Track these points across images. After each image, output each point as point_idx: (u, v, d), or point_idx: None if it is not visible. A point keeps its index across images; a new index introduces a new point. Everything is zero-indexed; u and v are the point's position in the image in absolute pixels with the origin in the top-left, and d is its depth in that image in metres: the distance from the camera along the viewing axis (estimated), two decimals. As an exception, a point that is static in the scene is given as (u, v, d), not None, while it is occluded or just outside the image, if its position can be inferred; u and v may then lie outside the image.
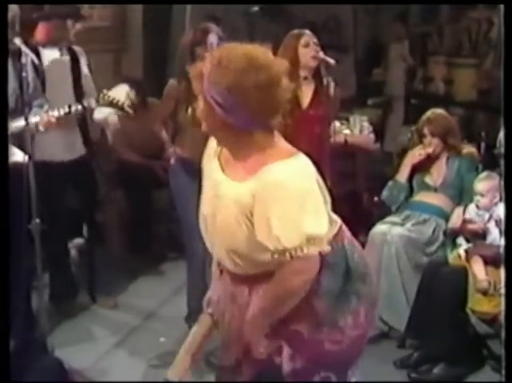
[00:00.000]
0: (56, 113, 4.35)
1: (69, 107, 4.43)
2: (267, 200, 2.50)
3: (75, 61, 5.07)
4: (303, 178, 2.56)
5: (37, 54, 4.89)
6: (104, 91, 4.55)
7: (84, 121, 5.11)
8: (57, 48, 4.99)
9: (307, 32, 4.69)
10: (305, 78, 4.64)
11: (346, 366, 2.88)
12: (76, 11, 5.20)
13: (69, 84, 5.01)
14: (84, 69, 5.13)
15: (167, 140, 4.83)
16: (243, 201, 2.56)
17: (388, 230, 4.75)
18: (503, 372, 2.62)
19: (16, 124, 4.19)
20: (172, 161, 4.65)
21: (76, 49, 5.13)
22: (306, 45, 4.59)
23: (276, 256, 2.54)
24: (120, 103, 4.55)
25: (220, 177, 2.70)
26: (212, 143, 2.80)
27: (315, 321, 2.71)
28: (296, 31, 4.71)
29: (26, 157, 4.10)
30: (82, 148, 5.13)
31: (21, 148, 4.16)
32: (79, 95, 4.97)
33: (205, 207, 2.78)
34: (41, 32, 4.97)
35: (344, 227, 2.90)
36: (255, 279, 2.72)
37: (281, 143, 2.68)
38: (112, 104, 4.56)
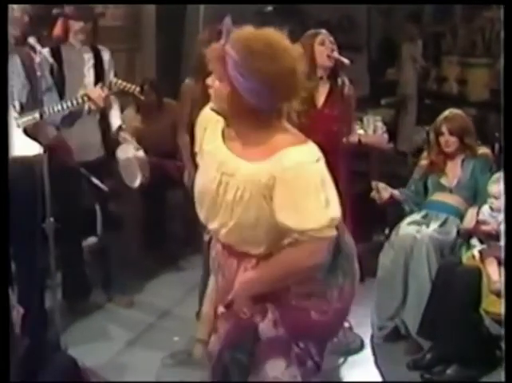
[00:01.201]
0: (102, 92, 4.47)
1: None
2: (291, 182, 2.59)
3: (98, 59, 5.09)
4: (320, 163, 2.68)
5: (57, 51, 4.94)
6: (115, 78, 4.63)
7: (104, 121, 5.13)
8: (77, 46, 5.02)
9: (323, 31, 4.70)
10: (321, 78, 4.65)
11: (327, 338, 3.07)
12: (94, 10, 5.21)
13: (91, 82, 5.03)
14: (107, 67, 5.13)
15: (187, 149, 4.85)
16: (261, 181, 2.63)
17: (417, 230, 4.75)
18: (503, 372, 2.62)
19: (30, 117, 4.22)
20: (187, 183, 4.77)
21: (101, 47, 5.15)
22: (322, 44, 4.61)
23: (296, 235, 2.63)
24: (131, 89, 4.60)
25: (227, 156, 2.76)
26: (208, 116, 2.86)
27: (305, 290, 2.82)
28: (312, 31, 4.72)
29: (42, 150, 4.12)
30: (101, 150, 5.15)
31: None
32: None
33: (204, 183, 2.83)
34: (60, 29, 5.00)
35: None
36: (246, 255, 2.82)
37: (291, 129, 2.79)
38: (123, 90, 4.61)
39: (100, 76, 5.01)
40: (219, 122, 2.83)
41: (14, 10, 4.15)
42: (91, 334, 4.85)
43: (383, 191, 4.89)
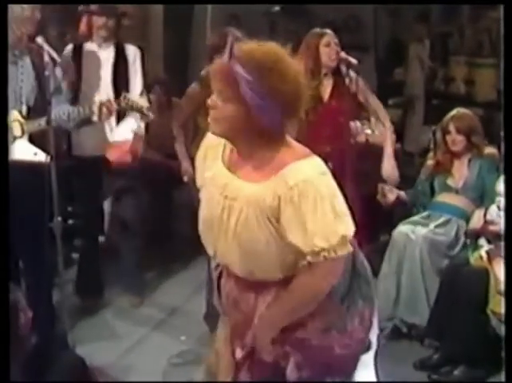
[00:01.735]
0: (110, 107, 4.39)
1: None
2: (297, 200, 2.47)
3: (121, 56, 5.09)
4: (327, 177, 2.56)
5: (79, 49, 4.99)
6: (125, 95, 4.52)
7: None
8: (97, 43, 5.04)
9: (328, 31, 4.72)
10: (325, 74, 4.70)
11: (352, 370, 2.87)
12: (117, 8, 5.22)
13: (108, 79, 5.04)
14: (132, 67, 5.12)
15: (183, 155, 4.87)
16: (265, 202, 2.51)
17: (412, 230, 4.76)
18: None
19: (36, 124, 4.21)
20: (185, 179, 4.75)
21: (126, 45, 5.16)
22: (327, 45, 4.64)
23: (309, 258, 2.50)
24: (139, 107, 4.50)
25: (228, 178, 2.63)
26: (207, 143, 2.78)
27: (324, 324, 2.68)
28: (317, 30, 4.74)
29: (48, 158, 4.12)
30: None
31: (43, 147, 4.18)
32: (118, 91, 5.00)
33: (209, 211, 2.69)
34: (85, 26, 5.02)
35: None
36: (263, 286, 2.67)
37: (293, 143, 2.66)
38: (132, 108, 4.54)
39: (121, 74, 5.01)
40: (219, 146, 2.72)
41: (25, 9, 4.15)
42: (98, 333, 4.85)
43: (389, 194, 4.89)
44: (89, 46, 5.04)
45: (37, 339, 3.61)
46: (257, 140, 2.56)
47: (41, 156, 4.18)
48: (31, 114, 4.26)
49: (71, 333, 4.35)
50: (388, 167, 4.83)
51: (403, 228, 4.82)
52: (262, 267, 2.62)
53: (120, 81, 5.03)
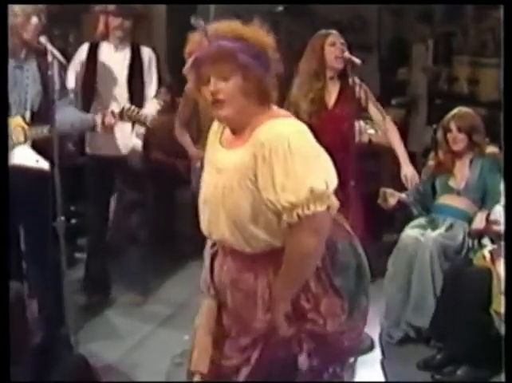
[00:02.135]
0: (112, 120, 4.38)
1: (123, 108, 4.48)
2: (268, 155, 2.50)
3: (136, 58, 5.11)
4: (304, 135, 2.60)
5: (95, 49, 5.04)
6: (129, 106, 4.51)
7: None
8: (114, 44, 5.06)
9: (334, 32, 4.70)
10: (331, 78, 4.66)
11: (350, 361, 2.96)
12: (134, 9, 5.23)
13: (123, 80, 5.07)
14: (147, 69, 5.15)
15: (189, 143, 4.87)
16: (244, 164, 2.57)
17: (421, 233, 4.76)
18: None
19: (39, 131, 4.21)
20: (198, 164, 4.66)
21: (142, 46, 5.19)
22: (332, 45, 4.62)
23: (285, 217, 2.51)
24: (142, 119, 4.49)
25: (219, 151, 2.75)
26: (212, 129, 2.84)
27: (337, 321, 2.74)
28: (323, 31, 4.72)
29: (49, 166, 4.12)
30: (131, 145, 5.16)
31: (46, 152, 4.19)
32: (133, 92, 5.03)
33: (205, 189, 2.76)
34: (102, 26, 5.05)
35: (347, 226, 2.88)
36: (262, 262, 2.68)
37: (277, 109, 2.72)
38: (134, 120, 4.53)
39: (137, 76, 5.02)
40: (220, 128, 2.80)
41: (18, 16, 4.12)
42: (101, 332, 4.86)
43: (390, 198, 4.87)
44: (105, 46, 5.06)
45: (41, 338, 3.63)
46: (252, 110, 2.63)
47: (42, 164, 4.18)
48: (35, 119, 4.26)
49: (74, 332, 4.36)
50: (408, 171, 4.77)
51: (411, 231, 4.82)
52: (253, 236, 2.62)
53: (136, 83, 5.06)
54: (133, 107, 4.49)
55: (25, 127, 4.22)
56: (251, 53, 2.57)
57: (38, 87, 4.28)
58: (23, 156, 4.22)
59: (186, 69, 2.65)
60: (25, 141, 4.22)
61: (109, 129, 4.43)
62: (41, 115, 4.26)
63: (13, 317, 3.06)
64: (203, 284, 2.97)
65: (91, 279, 5.33)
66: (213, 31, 2.63)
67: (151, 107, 5.01)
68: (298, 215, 2.49)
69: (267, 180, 2.51)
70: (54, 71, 4.15)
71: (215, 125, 2.83)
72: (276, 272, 2.66)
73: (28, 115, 4.24)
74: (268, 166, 2.50)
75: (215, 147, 2.78)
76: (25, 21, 4.09)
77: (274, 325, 2.69)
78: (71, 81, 4.89)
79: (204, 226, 2.78)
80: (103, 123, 4.35)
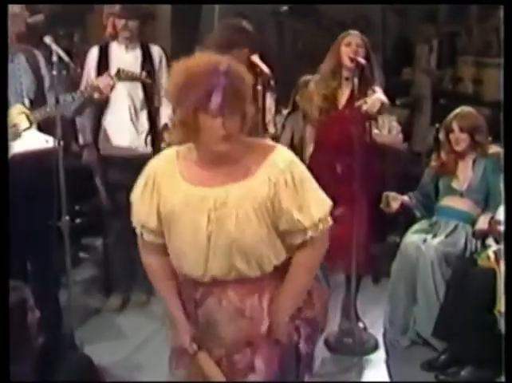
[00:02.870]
0: (110, 81, 4.59)
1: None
2: (291, 180, 2.63)
3: (147, 57, 5.14)
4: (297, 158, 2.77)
5: (106, 49, 5.07)
6: (120, 68, 4.73)
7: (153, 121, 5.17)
8: (124, 44, 5.08)
9: (354, 32, 4.70)
10: (347, 79, 4.65)
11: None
12: (139, 9, 5.25)
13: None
14: (157, 66, 5.17)
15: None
16: (262, 193, 2.62)
17: (422, 240, 4.75)
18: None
19: (43, 111, 4.26)
20: None
21: (152, 46, 5.22)
22: (348, 45, 4.61)
23: (310, 232, 2.67)
24: (137, 75, 4.78)
25: (204, 191, 2.65)
26: (151, 172, 2.75)
27: (324, 306, 2.99)
28: (346, 32, 4.73)
29: (56, 142, 4.16)
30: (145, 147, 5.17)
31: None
32: (147, 91, 5.08)
33: (192, 234, 2.67)
34: (110, 27, 5.07)
35: None
36: (266, 282, 2.76)
37: (251, 138, 2.79)
38: (131, 77, 4.76)
39: (149, 74, 5.04)
40: (167, 169, 2.72)
41: (14, 8, 4.18)
42: (106, 333, 4.87)
43: (392, 202, 4.86)
44: (116, 47, 5.08)
45: (44, 338, 3.63)
46: (245, 142, 2.70)
47: (52, 143, 4.22)
48: (34, 106, 4.32)
49: (79, 332, 4.37)
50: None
51: (413, 238, 4.81)
52: (266, 260, 2.71)
53: (144, 82, 5.08)
54: (124, 68, 4.75)
55: (27, 111, 4.28)
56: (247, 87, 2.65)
57: (31, 76, 4.37)
58: (32, 140, 4.27)
59: (197, 96, 2.54)
60: (31, 125, 4.27)
61: (106, 92, 4.60)
62: (38, 102, 4.32)
63: (17, 317, 3.07)
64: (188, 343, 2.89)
65: (108, 280, 5.33)
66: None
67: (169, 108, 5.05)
68: (321, 229, 2.69)
69: (293, 203, 2.63)
70: (58, 70, 4.19)
71: (157, 170, 2.74)
72: (277, 287, 2.77)
73: (27, 102, 4.30)
74: (292, 189, 2.63)
75: (186, 189, 2.68)
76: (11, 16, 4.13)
77: (277, 335, 2.79)
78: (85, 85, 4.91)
79: (194, 268, 2.74)
80: (97, 88, 4.55)
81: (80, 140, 5.23)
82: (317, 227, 2.67)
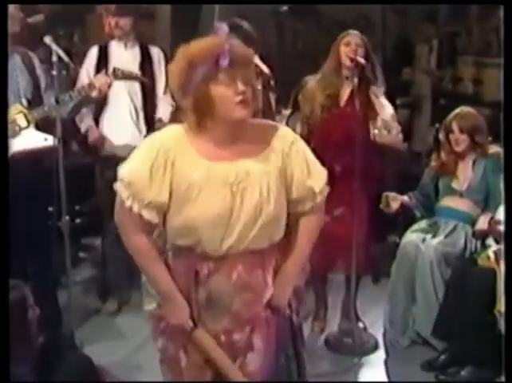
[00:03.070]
0: (107, 79, 4.61)
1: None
2: (302, 148, 2.86)
3: (146, 57, 5.14)
4: None
5: (105, 49, 5.08)
6: (116, 67, 4.73)
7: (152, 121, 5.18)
8: (123, 43, 5.08)
9: (353, 32, 4.72)
10: (347, 78, 4.66)
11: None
12: (145, 9, 5.27)
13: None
14: (157, 67, 5.17)
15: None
16: (277, 164, 2.79)
17: (421, 239, 4.75)
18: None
19: (41, 111, 4.27)
20: None
21: (151, 46, 5.22)
22: (347, 44, 4.63)
23: (318, 198, 2.87)
24: (134, 74, 4.79)
25: (225, 165, 2.73)
26: (163, 146, 2.75)
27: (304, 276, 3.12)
28: (345, 32, 4.74)
29: (56, 140, 4.16)
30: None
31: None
32: (145, 90, 5.08)
33: (212, 208, 2.71)
34: (107, 26, 5.06)
35: None
36: (265, 257, 2.86)
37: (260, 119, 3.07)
38: (127, 76, 4.75)
39: (148, 74, 5.05)
40: (183, 148, 2.75)
41: (11, 8, 4.19)
42: (106, 333, 4.87)
43: (392, 203, 4.87)
44: (115, 46, 5.08)
45: (44, 338, 3.63)
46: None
47: (51, 141, 4.22)
48: (31, 105, 4.33)
49: (79, 332, 4.37)
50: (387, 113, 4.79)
51: (412, 237, 4.81)
52: (279, 229, 2.86)
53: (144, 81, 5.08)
54: (119, 67, 4.75)
55: (25, 111, 4.28)
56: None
57: (27, 77, 4.39)
58: (30, 138, 4.27)
59: (205, 69, 2.64)
60: (29, 125, 4.28)
61: (103, 90, 4.62)
62: (36, 101, 4.33)
63: (17, 315, 3.07)
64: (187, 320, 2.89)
65: (107, 281, 5.33)
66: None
67: (165, 105, 5.06)
68: (324, 194, 2.90)
69: (303, 171, 2.83)
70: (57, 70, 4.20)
71: (167, 143, 2.76)
72: (275, 259, 2.90)
73: (24, 101, 4.31)
74: (303, 158, 2.84)
75: (204, 164, 2.73)
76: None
77: (280, 304, 2.91)
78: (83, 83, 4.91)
79: (211, 242, 2.77)
80: (94, 87, 4.56)
81: (82, 128, 5.17)
82: (322, 193, 2.87)
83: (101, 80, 4.62)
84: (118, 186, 2.76)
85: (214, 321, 2.85)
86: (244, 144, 2.76)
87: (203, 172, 2.71)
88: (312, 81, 4.73)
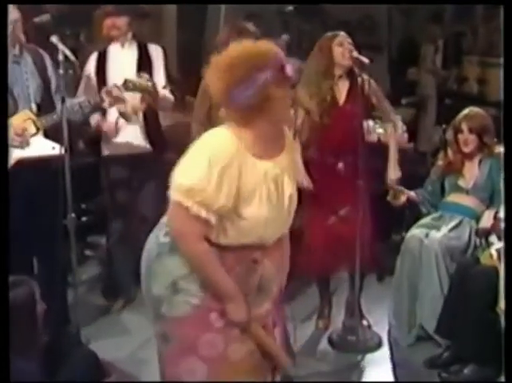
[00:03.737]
0: (119, 91, 4.56)
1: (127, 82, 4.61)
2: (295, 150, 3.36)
3: (144, 56, 5.15)
4: None
5: (104, 52, 5.07)
6: (128, 78, 4.63)
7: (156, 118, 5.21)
8: (120, 43, 5.09)
9: (341, 33, 4.78)
10: (340, 77, 4.71)
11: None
12: (141, 9, 5.28)
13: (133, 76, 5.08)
14: (156, 64, 5.18)
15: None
16: (293, 162, 3.16)
17: (425, 234, 4.76)
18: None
19: (49, 119, 4.28)
20: None
21: (150, 44, 5.23)
22: (340, 45, 4.69)
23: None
24: (144, 86, 4.67)
25: (269, 163, 2.93)
26: (229, 153, 2.82)
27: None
28: (330, 33, 4.78)
29: (63, 149, 4.18)
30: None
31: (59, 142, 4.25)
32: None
33: (270, 207, 2.92)
34: (106, 26, 5.07)
35: None
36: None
37: None
38: (137, 88, 4.67)
39: (146, 70, 5.05)
40: (238, 152, 2.84)
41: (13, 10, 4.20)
42: (112, 329, 4.90)
43: (399, 195, 4.90)
44: (113, 48, 5.10)
45: (51, 335, 3.66)
46: None
47: (59, 150, 4.24)
48: (41, 111, 4.34)
49: (85, 329, 4.39)
50: (392, 173, 4.92)
51: (416, 232, 4.82)
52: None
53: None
54: (131, 78, 4.64)
55: (35, 118, 4.29)
56: None
57: (38, 80, 4.37)
58: (39, 146, 4.29)
59: (273, 72, 2.80)
60: (38, 132, 4.29)
61: (116, 102, 4.60)
62: (45, 106, 4.34)
63: (24, 314, 3.10)
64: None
65: (112, 279, 5.36)
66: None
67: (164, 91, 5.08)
68: None
69: (299, 160, 3.41)
70: (63, 70, 4.21)
71: (231, 149, 2.84)
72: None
73: (34, 107, 4.32)
74: (298, 152, 3.39)
75: (255, 167, 2.87)
76: (16, 18, 4.17)
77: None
78: (83, 87, 4.93)
79: (273, 233, 3.02)
80: (109, 98, 4.50)
81: (92, 123, 5.17)
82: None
83: (116, 92, 4.57)
84: (177, 195, 2.81)
85: (260, 305, 3.03)
86: (279, 140, 3.00)
87: (260, 173, 2.89)
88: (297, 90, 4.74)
